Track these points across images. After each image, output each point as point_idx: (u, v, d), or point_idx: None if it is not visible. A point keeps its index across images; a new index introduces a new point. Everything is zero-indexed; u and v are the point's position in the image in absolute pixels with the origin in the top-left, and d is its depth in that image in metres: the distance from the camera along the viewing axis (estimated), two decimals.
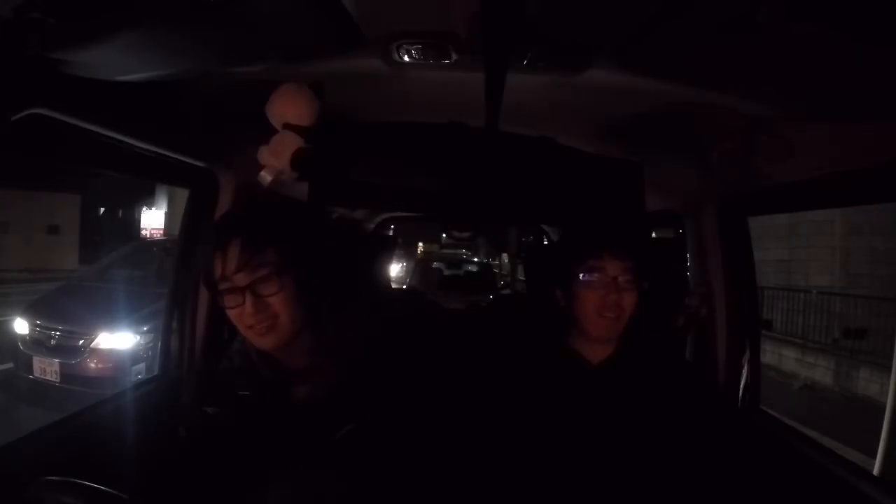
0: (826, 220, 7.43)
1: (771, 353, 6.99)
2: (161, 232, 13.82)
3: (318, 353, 0.87)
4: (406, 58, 0.83)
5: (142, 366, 3.95)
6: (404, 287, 5.63)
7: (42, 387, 3.98)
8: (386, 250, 2.24)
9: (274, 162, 0.88)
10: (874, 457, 2.69)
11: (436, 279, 6.37)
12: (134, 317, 4.06)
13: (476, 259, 9.54)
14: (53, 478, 0.65)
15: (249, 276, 0.80)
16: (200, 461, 0.83)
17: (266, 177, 0.89)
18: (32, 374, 4.04)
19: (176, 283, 1.37)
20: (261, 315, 0.80)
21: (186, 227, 1.37)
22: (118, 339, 3.98)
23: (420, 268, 7.25)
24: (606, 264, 0.97)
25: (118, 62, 0.78)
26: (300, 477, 0.80)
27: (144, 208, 16.12)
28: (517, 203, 1.00)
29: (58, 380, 3.97)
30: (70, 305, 4.38)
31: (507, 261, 8.65)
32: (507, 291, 6.45)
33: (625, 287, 0.97)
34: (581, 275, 0.98)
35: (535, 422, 0.98)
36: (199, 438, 0.85)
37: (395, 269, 10.40)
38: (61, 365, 3.96)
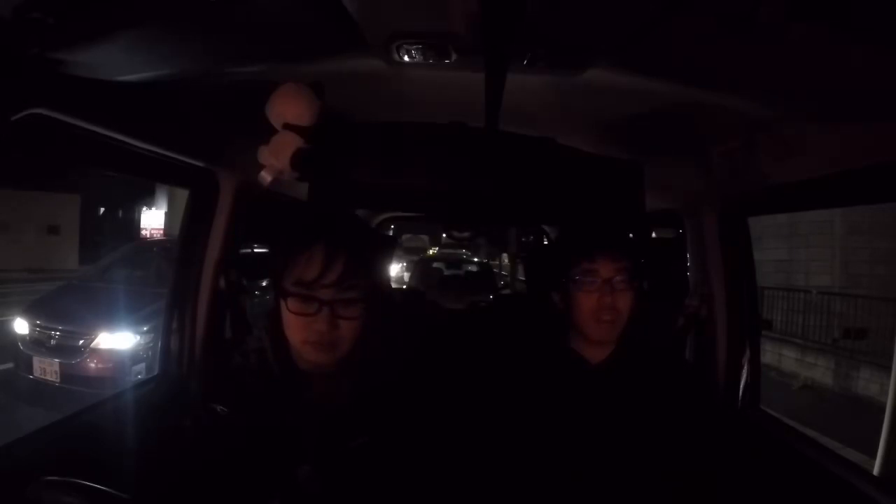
0: (826, 220, 7.42)
1: (771, 353, 6.98)
2: (161, 232, 13.83)
3: (342, 361, 0.85)
4: (406, 58, 0.83)
5: (142, 366, 3.95)
6: (404, 287, 5.64)
7: (42, 387, 3.98)
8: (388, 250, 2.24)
9: (274, 162, 0.88)
10: (874, 456, 2.69)
11: (436, 279, 6.37)
12: (134, 317, 4.06)
13: (476, 259, 9.54)
14: (53, 478, 0.65)
15: (337, 293, 0.77)
16: (204, 460, 0.83)
17: (266, 177, 0.89)
18: (32, 374, 4.04)
19: (176, 283, 1.37)
20: (328, 334, 0.77)
21: (186, 227, 1.37)
22: (118, 339, 3.98)
23: (420, 267, 7.25)
24: (599, 266, 0.96)
25: (118, 62, 0.78)
26: (308, 482, 0.80)
27: (144, 208, 16.14)
28: (517, 203, 1.00)
29: (58, 380, 3.97)
30: (70, 305, 4.38)
31: (507, 261, 8.65)
32: (507, 291, 6.46)
33: (620, 288, 0.96)
34: (575, 278, 0.98)
35: (536, 422, 0.98)
36: (206, 437, 0.85)
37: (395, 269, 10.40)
38: (61, 365, 3.96)
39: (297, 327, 0.78)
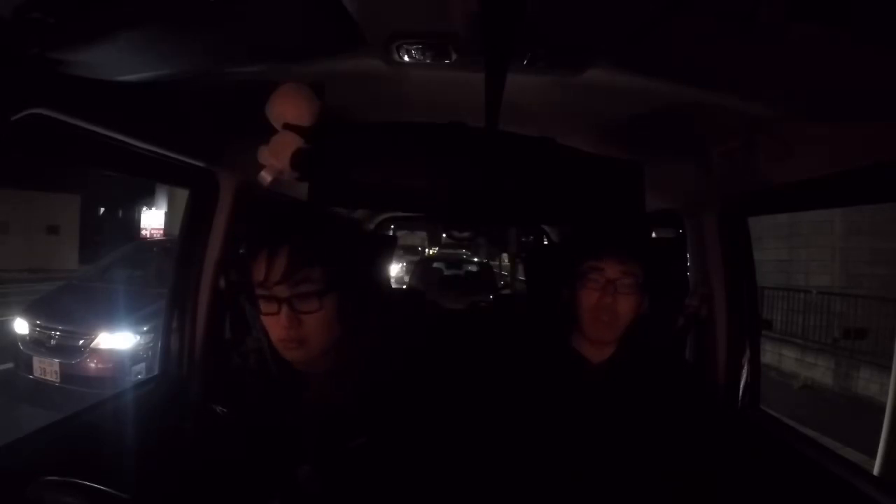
0: (826, 220, 7.42)
1: (771, 353, 6.98)
2: (161, 232, 13.82)
3: (337, 360, 0.86)
4: (406, 58, 0.83)
5: (142, 366, 3.95)
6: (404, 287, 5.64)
7: (42, 387, 3.98)
8: (387, 251, 2.24)
9: (274, 162, 0.88)
10: (874, 457, 2.69)
11: (436, 279, 6.37)
12: (134, 317, 4.05)
13: (476, 259, 9.54)
14: (53, 478, 0.65)
15: (291, 289, 0.77)
16: (204, 460, 0.83)
17: (266, 177, 0.89)
18: (32, 374, 4.04)
19: (176, 283, 1.37)
20: (294, 330, 0.78)
21: (186, 227, 1.37)
22: (118, 339, 3.97)
23: (420, 268, 7.25)
24: (605, 266, 0.97)
25: (118, 62, 0.78)
26: (308, 482, 0.80)
27: (144, 208, 16.12)
28: (517, 203, 1.00)
29: (58, 380, 3.96)
30: (70, 305, 4.37)
31: (507, 261, 8.65)
32: (507, 291, 6.46)
33: (622, 290, 0.96)
34: (581, 274, 0.99)
35: (537, 422, 0.98)
36: (206, 437, 0.85)
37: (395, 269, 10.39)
38: (61, 365, 3.95)
39: (269, 328, 0.80)
